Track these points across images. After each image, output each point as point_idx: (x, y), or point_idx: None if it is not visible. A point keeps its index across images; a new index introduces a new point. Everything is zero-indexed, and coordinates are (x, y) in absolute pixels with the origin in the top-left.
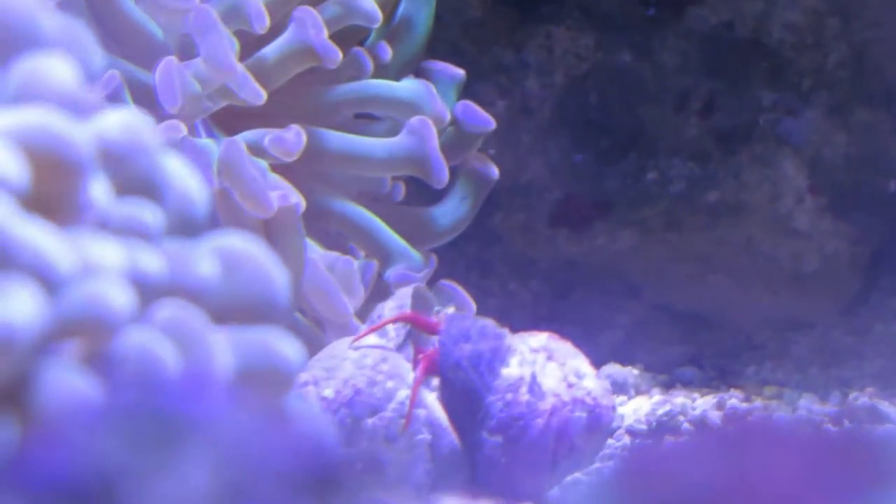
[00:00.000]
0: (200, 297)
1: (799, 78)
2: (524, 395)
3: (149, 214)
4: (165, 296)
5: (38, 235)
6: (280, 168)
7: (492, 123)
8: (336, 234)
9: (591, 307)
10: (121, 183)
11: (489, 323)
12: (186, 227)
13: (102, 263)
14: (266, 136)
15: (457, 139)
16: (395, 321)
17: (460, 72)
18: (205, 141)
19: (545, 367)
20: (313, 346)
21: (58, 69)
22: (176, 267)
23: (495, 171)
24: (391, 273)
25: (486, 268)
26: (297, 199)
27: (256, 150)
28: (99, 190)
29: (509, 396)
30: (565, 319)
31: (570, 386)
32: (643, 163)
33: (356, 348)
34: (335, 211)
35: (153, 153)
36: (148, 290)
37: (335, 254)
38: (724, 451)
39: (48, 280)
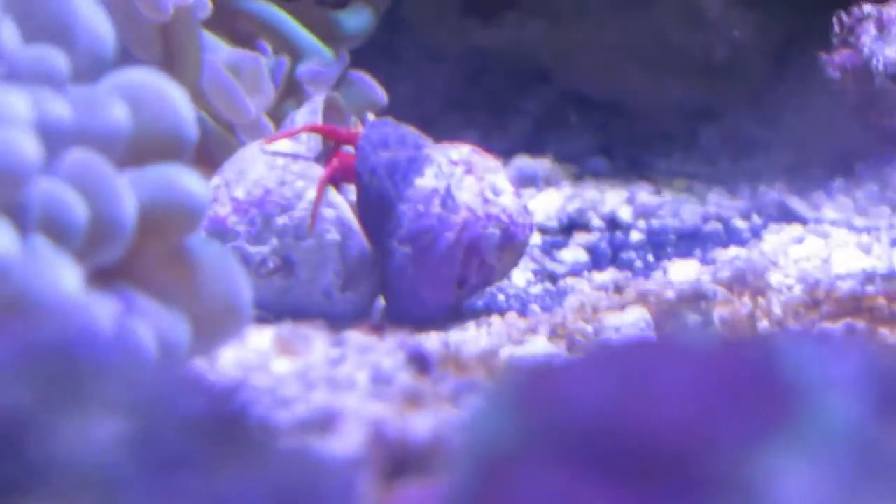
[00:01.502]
0: (110, 141)
1: None
2: (436, 208)
3: (58, 59)
4: (76, 141)
5: None
6: None
7: None
8: (247, 33)
9: (502, 93)
10: (31, 27)
11: (410, 131)
12: (96, 66)
13: (11, 113)
14: None
15: None
16: (307, 131)
17: None
18: None
19: (462, 180)
20: (225, 148)
21: None
22: (85, 113)
23: None
24: (303, 70)
25: (395, 54)
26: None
27: None
28: (7, 36)
29: (420, 208)
30: (476, 105)
31: (486, 202)
32: None
33: (268, 152)
34: (245, 9)
35: None
36: (57, 138)
37: (242, 51)
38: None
39: None
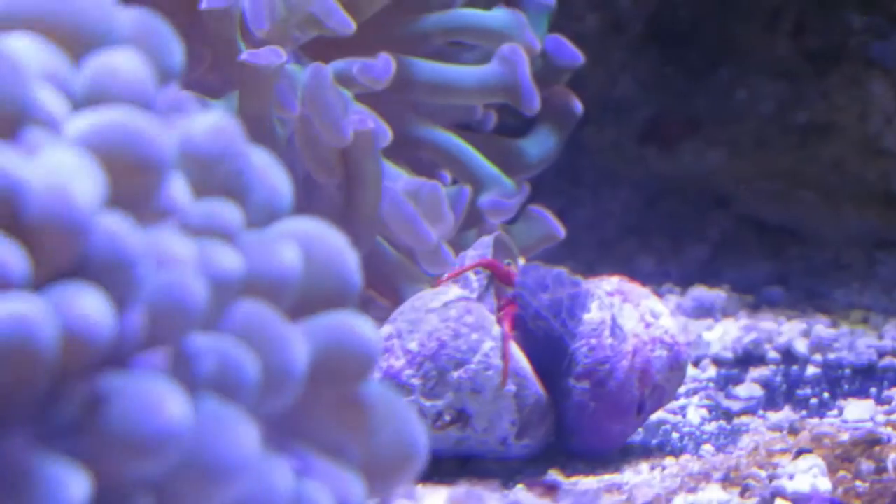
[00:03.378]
0: (282, 285)
1: (890, 1)
2: (608, 339)
3: (230, 212)
4: (246, 288)
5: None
6: (371, 97)
7: (581, 59)
8: (429, 162)
9: (679, 218)
10: (208, 186)
11: (563, 271)
12: (272, 221)
13: (177, 258)
14: (355, 65)
15: (545, 72)
16: (475, 267)
17: (551, 0)
18: (292, 66)
19: (622, 309)
20: (404, 276)
21: (129, 64)
22: (256, 257)
23: (580, 107)
24: (484, 200)
25: (576, 177)
26: (374, 126)
27: (345, 79)
28: (178, 191)
29: (594, 341)
30: (653, 230)
31: (647, 326)
32: (733, 81)
33: (441, 302)
34: (427, 139)
35: (240, 155)
36: (226, 289)
37: (421, 179)
38: None
39: (128, 277)
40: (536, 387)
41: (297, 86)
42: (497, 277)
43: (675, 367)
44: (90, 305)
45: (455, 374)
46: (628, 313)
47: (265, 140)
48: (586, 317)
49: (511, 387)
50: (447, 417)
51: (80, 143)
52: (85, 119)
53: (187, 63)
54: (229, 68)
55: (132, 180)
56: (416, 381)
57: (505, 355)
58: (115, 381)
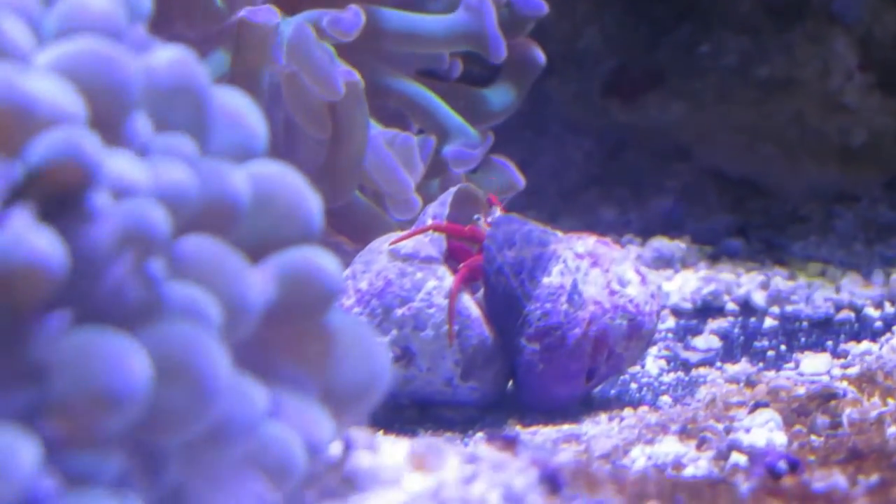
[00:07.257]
0: (232, 211)
1: None
2: (563, 305)
3: (188, 146)
4: (200, 210)
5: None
6: (339, 47)
7: (544, 8)
8: (394, 111)
9: (642, 170)
10: (168, 120)
11: (535, 227)
12: (241, 158)
13: (134, 183)
14: (325, 16)
15: (509, 21)
16: (432, 230)
17: None
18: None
19: (588, 273)
20: (373, 223)
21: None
22: (206, 182)
23: (542, 58)
24: (449, 150)
25: (540, 126)
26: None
27: (315, 30)
28: (143, 126)
29: (548, 306)
30: (615, 181)
31: (612, 293)
32: (697, 35)
33: (394, 246)
34: (394, 88)
35: (201, 88)
36: (181, 205)
37: (394, 130)
38: None
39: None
40: (481, 328)
41: (283, 40)
42: (456, 236)
43: (636, 336)
44: (43, 242)
45: (399, 312)
46: (594, 279)
47: (255, 95)
48: (545, 280)
49: (454, 326)
50: (392, 354)
51: (51, 70)
52: (55, 49)
53: (164, 21)
54: (206, 25)
55: (102, 106)
56: (363, 319)
57: (450, 308)
58: (74, 339)
